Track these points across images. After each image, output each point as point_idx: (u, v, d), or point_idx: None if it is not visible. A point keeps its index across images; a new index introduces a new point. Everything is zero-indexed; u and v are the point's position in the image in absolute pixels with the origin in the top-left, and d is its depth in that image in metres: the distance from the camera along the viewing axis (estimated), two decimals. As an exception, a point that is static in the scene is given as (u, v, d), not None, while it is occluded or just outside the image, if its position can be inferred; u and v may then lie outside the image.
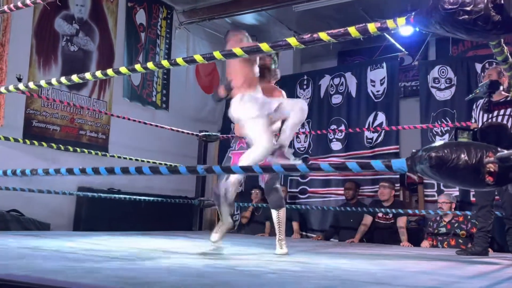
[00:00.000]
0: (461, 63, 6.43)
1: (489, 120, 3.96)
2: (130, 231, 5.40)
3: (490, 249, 5.02)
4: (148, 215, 6.15)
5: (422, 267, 3.05)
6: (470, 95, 4.22)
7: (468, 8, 1.32)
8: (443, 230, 5.31)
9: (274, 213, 3.53)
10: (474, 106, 4.35)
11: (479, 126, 4.04)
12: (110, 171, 1.81)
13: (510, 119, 3.92)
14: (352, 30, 1.61)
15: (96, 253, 2.84)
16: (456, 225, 5.26)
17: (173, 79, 7.25)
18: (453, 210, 5.32)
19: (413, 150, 1.48)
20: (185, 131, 6.23)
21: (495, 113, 3.94)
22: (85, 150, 5.19)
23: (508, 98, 4.06)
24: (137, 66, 2.14)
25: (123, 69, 2.21)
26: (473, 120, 4.39)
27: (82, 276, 1.82)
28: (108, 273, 1.91)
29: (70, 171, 1.91)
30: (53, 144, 4.96)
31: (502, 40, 1.73)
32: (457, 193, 5.72)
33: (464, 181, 1.41)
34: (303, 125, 7.18)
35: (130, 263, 2.38)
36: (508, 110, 3.75)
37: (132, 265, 2.33)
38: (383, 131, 6.46)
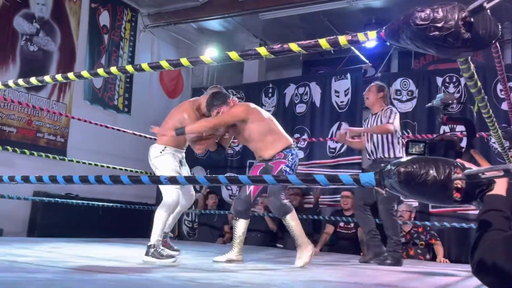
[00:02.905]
0: (422, 76, 6.57)
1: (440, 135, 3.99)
2: (87, 237, 5.24)
3: (447, 260, 5.12)
4: (107, 221, 5.98)
5: (381, 280, 3.06)
6: (430, 103, 4.30)
7: (439, 25, 1.32)
8: (402, 240, 5.37)
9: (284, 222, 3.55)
10: (363, 121, 4.39)
11: (430, 139, 4.10)
12: (68, 179, 1.73)
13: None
14: (323, 42, 1.58)
15: (48, 263, 2.72)
16: (415, 235, 5.34)
17: (136, 83, 7.10)
18: (412, 219, 5.40)
19: (382, 165, 1.47)
20: (147, 136, 6.09)
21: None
22: (42, 154, 5.01)
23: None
24: (100, 71, 2.06)
25: (85, 73, 2.12)
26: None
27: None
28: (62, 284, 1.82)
29: (26, 179, 1.81)
30: (8, 147, 4.76)
31: (470, 57, 1.75)
32: (416, 204, 5.80)
33: (432, 197, 1.40)
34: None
35: (83, 275, 2.29)
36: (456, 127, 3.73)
37: (85, 277, 2.23)
38: (346, 141, 6.49)
